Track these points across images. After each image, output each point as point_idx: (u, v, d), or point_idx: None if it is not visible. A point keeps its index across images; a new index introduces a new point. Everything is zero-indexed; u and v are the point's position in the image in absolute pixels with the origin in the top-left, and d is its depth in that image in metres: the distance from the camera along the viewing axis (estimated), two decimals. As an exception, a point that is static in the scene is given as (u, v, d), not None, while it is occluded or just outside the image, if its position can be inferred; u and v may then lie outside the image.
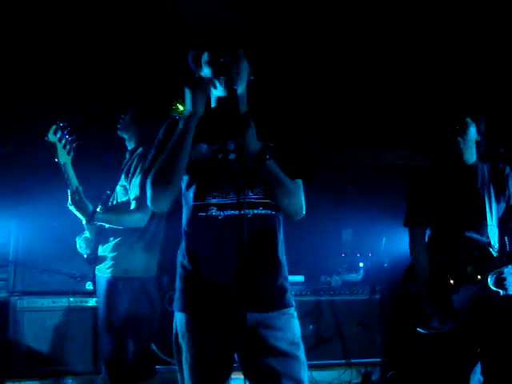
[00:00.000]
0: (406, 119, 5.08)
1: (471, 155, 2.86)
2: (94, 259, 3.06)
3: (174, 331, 1.91)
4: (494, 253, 2.66)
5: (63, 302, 4.31)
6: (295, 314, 1.94)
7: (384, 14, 3.69)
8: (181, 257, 1.94)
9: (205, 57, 1.98)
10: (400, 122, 5.14)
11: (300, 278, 4.80)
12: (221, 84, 1.92)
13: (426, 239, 2.94)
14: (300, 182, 2.00)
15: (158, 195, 1.86)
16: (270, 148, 1.89)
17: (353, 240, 5.44)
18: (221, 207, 1.84)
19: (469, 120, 2.80)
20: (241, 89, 1.96)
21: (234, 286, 1.79)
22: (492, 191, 2.73)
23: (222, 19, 1.99)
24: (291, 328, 1.89)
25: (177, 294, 1.91)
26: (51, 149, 3.04)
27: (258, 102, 2.11)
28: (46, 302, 4.36)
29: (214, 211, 1.84)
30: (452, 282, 2.71)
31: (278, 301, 1.89)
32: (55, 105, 4.63)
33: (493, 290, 2.63)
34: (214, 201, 1.85)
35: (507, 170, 2.84)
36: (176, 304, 1.90)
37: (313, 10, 3.66)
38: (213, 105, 2.05)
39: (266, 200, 1.89)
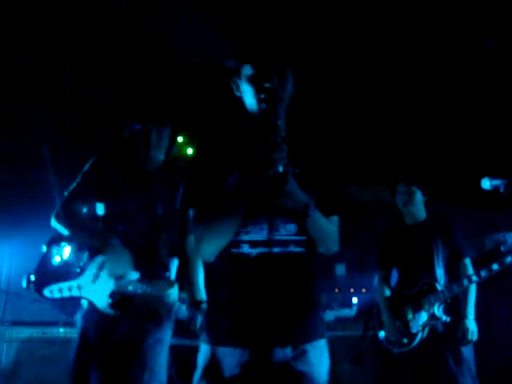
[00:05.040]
0: (402, 156, 5.18)
1: (421, 214, 3.70)
2: None
3: (198, 365, 1.82)
4: (439, 287, 3.44)
5: (53, 332, 4.27)
6: (326, 347, 1.85)
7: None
8: (211, 290, 1.89)
9: (247, 71, 1.78)
10: (396, 158, 5.24)
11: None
12: (260, 109, 1.76)
13: (395, 280, 3.77)
14: (335, 218, 1.89)
15: (212, 252, 1.79)
16: (314, 200, 1.76)
17: (346, 275, 5.43)
18: (253, 244, 1.75)
19: (414, 189, 3.66)
20: (282, 112, 1.76)
21: (264, 321, 1.72)
22: (439, 240, 3.55)
23: (272, 34, 1.89)
24: (323, 362, 1.81)
25: (205, 327, 1.84)
26: None
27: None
28: (35, 332, 4.31)
29: (245, 248, 1.76)
30: (408, 311, 3.51)
31: (308, 334, 1.80)
32: (53, 136, 4.70)
33: (438, 316, 3.41)
34: (246, 237, 1.76)
35: (450, 222, 3.68)
36: (204, 337, 1.83)
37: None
38: (243, 119, 1.87)
39: (297, 237, 1.79)
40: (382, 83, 4.37)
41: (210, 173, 1.80)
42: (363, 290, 5.16)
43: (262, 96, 1.72)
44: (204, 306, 2.52)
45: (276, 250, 1.73)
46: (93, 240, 2.43)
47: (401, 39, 3.81)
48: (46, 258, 2.47)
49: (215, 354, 1.77)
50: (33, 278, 2.41)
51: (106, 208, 2.54)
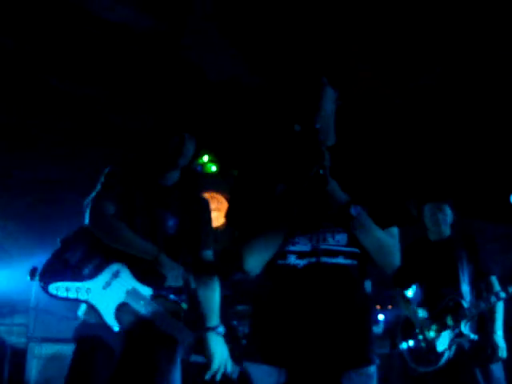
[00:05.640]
0: (429, 171, 5.16)
1: (447, 230, 3.67)
2: None
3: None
4: (465, 304, 3.36)
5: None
6: (375, 375, 1.73)
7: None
8: (256, 304, 1.80)
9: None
10: (422, 174, 5.21)
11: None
12: (298, 122, 1.75)
13: (418, 296, 3.72)
14: (394, 229, 1.77)
15: (258, 265, 1.73)
16: (357, 203, 1.68)
17: (372, 291, 5.36)
18: (300, 255, 1.69)
19: (446, 207, 3.62)
20: (325, 122, 1.76)
21: (312, 340, 1.63)
22: (464, 256, 3.49)
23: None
24: None
25: (250, 344, 1.78)
26: None
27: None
28: (64, 348, 4.36)
29: (292, 259, 1.69)
30: (434, 328, 3.43)
31: (357, 357, 1.69)
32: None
33: (466, 334, 3.32)
34: (293, 248, 1.70)
35: (476, 239, 3.62)
36: (249, 354, 1.76)
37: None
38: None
39: (348, 248, 1.70)
40: (409, 98, 4.36)
41: (256, 187, 1.77)
42: (389, 307, 5.09)
43: (297, 107, 1.74)
44: (219, 329, 2.40)
45: (323, 260, 1.66)
46: (141, 255, 2.33)
47: (425, 54, 3.80)
48: (58, 254, 2.34)
49: (251, 371, 1.71)
50: (42, 268, 2.29)
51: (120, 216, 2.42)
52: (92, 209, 2.37)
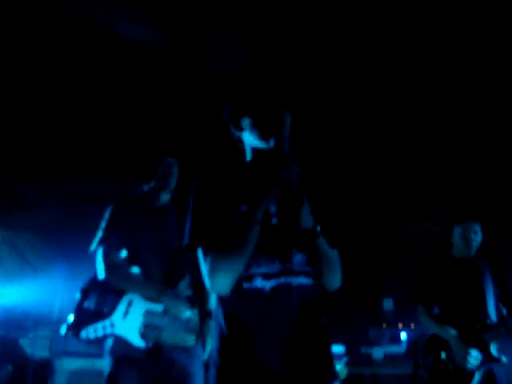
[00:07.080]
0: (445, 187, 5.10)
1: (475, 250, 3.58)
2: None
3: None
4: (493, 325, 3.32)
5: (103, 364, 4.34)
6: None
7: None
8: (219, 328, 1.78)
9: (246, 121, 1.81)
10: (440, 190, 5.15)
11: (340, 349, 4.65)
12: (268, 144, 1.76)
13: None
14: (337, 252, 1.82)
15: (225, 286, 1.70)
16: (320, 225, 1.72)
17: (394, 310, 5.28)
18: (266, 277, 1.68)
19: (479, 229, 3.52)
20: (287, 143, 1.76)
21: (282, 363, 1.63)
22: (489, 276, 3.44)
23: (257, 69, 1.83)
24: None
25: (215, 372, 1.75)
26: None
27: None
28: (85, 363, 4.40)
29: (258, 282, 1.68)
30: (460, 351, 3.29)
31: (327, 375, 1.71)
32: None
33: (496, 357, 3.24)
34: (259, 270, 1.68)
35: (500, 258, 3.68)
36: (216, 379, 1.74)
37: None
38: (248, 157, 1.88)
39: (307, 268, 1.72)
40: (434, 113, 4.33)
41: (217, 206, 1.75)
42: (412, 326, 5.00)
43: (268, 132, 1.76)
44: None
45: (289, 280, 1.67)
46: (148, 293, 2.68)
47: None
48: (79, 305, 2.75)
49: None
50: (70, 322, 2.70)
51: (128, 249, 2.76)
52: (105, 265, 2.71)
